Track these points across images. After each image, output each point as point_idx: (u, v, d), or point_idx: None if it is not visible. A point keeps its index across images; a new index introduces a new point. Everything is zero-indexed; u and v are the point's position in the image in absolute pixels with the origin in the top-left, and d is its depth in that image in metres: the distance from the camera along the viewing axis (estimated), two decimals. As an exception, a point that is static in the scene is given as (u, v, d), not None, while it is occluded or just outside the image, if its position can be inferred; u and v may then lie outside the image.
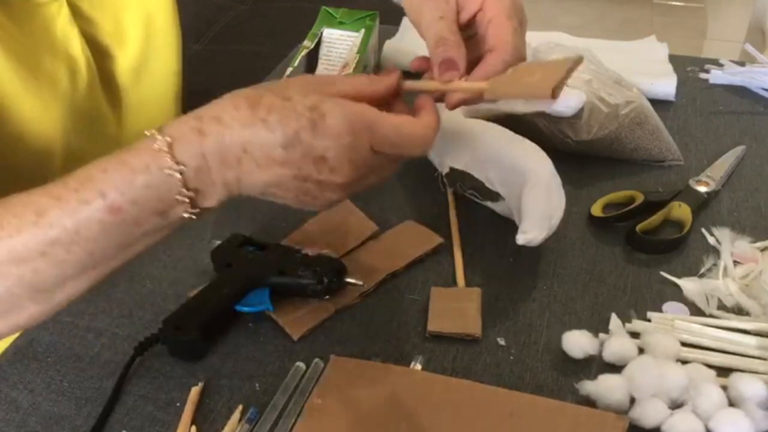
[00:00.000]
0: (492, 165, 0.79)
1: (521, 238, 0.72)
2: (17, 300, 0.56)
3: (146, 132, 0.56)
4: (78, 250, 0.55)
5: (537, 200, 0.73)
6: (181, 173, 0.55)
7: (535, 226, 0.72)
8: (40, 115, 0.77)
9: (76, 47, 0.81)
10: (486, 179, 0.79)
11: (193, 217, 0.57)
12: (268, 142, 0.55)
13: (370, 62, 0.93)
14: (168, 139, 0.55)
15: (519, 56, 0.67)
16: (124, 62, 0.88)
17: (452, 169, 0.83)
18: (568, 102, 0.85)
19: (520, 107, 0.87)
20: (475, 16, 0.69)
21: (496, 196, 0.80)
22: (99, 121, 0.87)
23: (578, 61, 0.63)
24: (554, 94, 0.60)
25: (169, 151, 0.54)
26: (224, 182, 0.56)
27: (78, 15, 0.82)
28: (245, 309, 0.71)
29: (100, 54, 0.85)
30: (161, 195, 0.55)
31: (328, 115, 0.55)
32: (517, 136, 0.79)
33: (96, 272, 0.57)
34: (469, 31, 0.70)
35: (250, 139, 0.55)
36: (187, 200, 0.56)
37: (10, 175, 0.75)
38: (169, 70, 0.94)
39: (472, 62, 0.67)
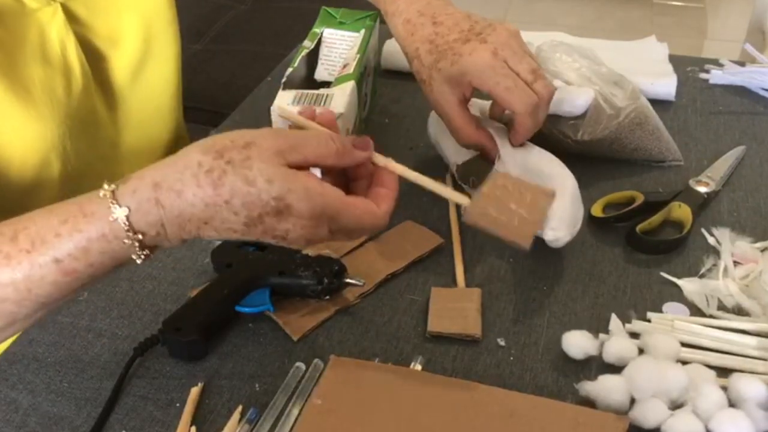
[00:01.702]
0: (514, 165, 0.78)
1: (551, 234, 0.72)
2: None
3: (99, 193, 0.56)
4: (29, 304, 0.56)
5: (565, 204, 0.73)
6: (139, 241, 0.56)
7: (563, 226, 0.72)
8: (34, 126, 0.76)
9: (72, 52, 0.80)
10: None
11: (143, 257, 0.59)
12: (231, 220, 0.56)
13: (370, 62, 0.93)
14: (125, 210, 0.55)
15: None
16: (120, 65, 0.87)
17: (468, 161, 0.82)
18: (576, 101, 0.85)
19: None
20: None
21: None
22: (95, 124, 0.86)
23: (552, 196, 0.70)
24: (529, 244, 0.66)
25: (127, 221, 0.55)
26: (181, 240, 0.58)
27: (73, 19, 0.81)
28: (245, 309, 0.71)
29: (95, 57, 0.85)
30: (117, 256, 0.57)
31: (294, 206, 0.56)
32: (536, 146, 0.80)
33: (45, 312, 0.59)
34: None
35: (213, 216, 0.56)
36: (143, 256, 0.57)
37: (3, 185, 0.75)
38: (167, 72, 0.93)
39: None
